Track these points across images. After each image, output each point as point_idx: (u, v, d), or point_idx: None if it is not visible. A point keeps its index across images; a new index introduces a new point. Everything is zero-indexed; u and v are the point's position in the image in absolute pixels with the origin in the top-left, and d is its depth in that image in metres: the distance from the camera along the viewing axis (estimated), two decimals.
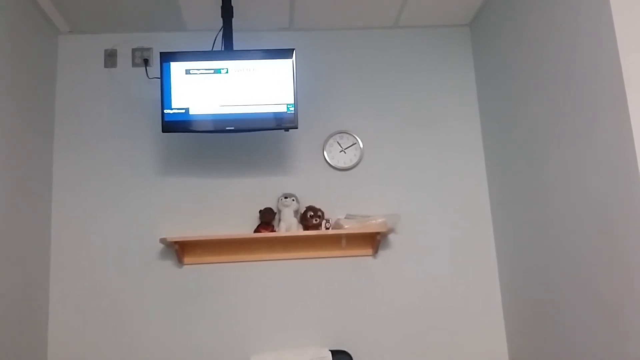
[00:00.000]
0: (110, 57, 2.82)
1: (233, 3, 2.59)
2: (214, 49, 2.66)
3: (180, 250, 2.60)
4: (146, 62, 2.80)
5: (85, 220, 2.67)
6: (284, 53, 2.49)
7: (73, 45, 2.82)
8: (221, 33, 2.59)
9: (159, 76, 2.47)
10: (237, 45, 2.65)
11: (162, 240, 2.55)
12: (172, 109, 2.44)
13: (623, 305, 1.75)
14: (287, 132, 2.71)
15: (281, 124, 2.47)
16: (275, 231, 2.63)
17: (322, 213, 2.65)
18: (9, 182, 2.27)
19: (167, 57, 2.46)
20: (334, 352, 2.52)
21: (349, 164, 2.79)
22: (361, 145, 2.81)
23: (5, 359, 2.18)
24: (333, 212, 2.71)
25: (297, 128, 2.49)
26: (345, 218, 2.65)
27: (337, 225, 2.61)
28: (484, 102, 2.83)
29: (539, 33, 2.22)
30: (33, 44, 2.54)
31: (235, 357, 2.59)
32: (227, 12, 2.57)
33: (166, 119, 2.43)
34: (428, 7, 2.76)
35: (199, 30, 2.82)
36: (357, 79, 2.88)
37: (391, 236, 2.74)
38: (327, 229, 2.65)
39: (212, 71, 2.46)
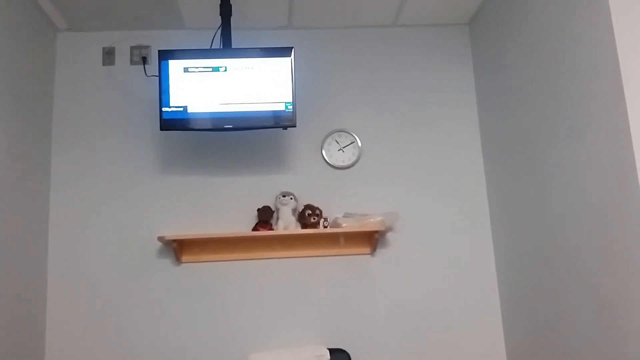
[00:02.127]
0: (109, 55, 2.82)
1: (232, 1, 2.58)
2: (212, 47, 2.66)
3: (179, 248, 2.60)
4: (144, 60, 2.80)
5: (83, 219, 2.67)
6: (283, 51, 2.49)
7: (71, 42, 2.82)
8: (220, 31, 2.59)
9: (157, 74, 2.47)
10: (235, 43, 2.65)
11: (160, 239, 2.55)
12: (170, 107, 2.43)
13: (621, 305, 1.75)
14: (285, 130, 2.71)
15: (279, 122, 2.47)
16: (273, 229, 2.63)
17: (320, 211, 2.65)
18: (7, 180, 2.27)
19: (166, 55, 2.46)
20: (332, 351, 2.52)
21: (347, 163, 2.79)
22: (359, 144, 2.81)
23: (3, 358, 2.17)
24: (331, 211, 2.71)
25: (295, 126, 2.49)
26: (343, 217, 2.65)
27: (335, 224, 2.61)
28: (483, 101, 2.83)
29: (538, 32, 2.22)
30: (31, 42, 2.53)
31: (233, 356, 2.59)
32: (225, 10, 2.57)
33: (164, 116, 2.43)
34: (427, 6, 2.76)
35: (198, 28, 2.81)
36: (355, 77, 2.88)
37: (389, 235, 2.74)
38: (325, 227, 2.65)
39: (211, 69, 2.45)
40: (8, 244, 2.26)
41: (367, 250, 2.71)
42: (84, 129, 2.75)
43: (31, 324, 2.44)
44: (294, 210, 2.65)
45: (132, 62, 2.81)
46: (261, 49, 2.50)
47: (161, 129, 2.43)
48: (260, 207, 2.66)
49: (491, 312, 2.71)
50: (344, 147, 2.80)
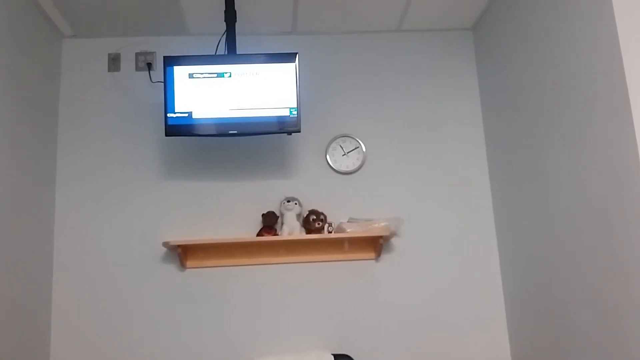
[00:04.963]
0: (114, 61, 2.83)
1: (236, 7, 2.59)
2: (217, 53, 2.67)
3: (183, 253, 2.60)
4: (149, 66, 2.81)
5: (88, 224, 2.68)
6: (287, 57, 2.50)
7: (77, 49, 2.83)
8: (224, 37, 2.60)
9: (162, 80, 2.48)
10: (240, 49, 2.66)
11: (165, 244, 2.55)
12: (175, 113, 2.44)
13: (625, 307, 1.74)
14: (290, 135, 2.72)
15: (284, 127, 2.47)
16: (277, 235, 2.63)
17: (325, 217, 2.65)
18: (13, 185, 2.28)
19: (171, 61, 2.47)
20: (337, 356, 2.52)
21: (351, 168, 2.79)
22: (364, 149, 2.81)
23: None
24: (336, 216, 2.71)
25: (299, 132, 2.49)
26: (347, 222, 2.65)
27: (340, 229, 2.61)
28: (487, 106, 2.83)
29: (542, 36, 2.22)
30: (37, 48, 2.55)
31: None
32: (230, 16, 2.58)
33: (169, 122, 2.44)
34: (431, 11, 2.76)
35: (202, 35, 2.83)
36: (359, 82, 2.89)
37: (394, 240, 2.74)
38: (330, 232, 2.65)
39: (215, 75, 2.46)
40: (14, 249, 2.27)
41: (372, 255, 2.71)
42: (89, 135, 2.76)
43: (36, 330, 2.45)
44: (299, 215, 2.65)
45: (137, 68, 2.83)
46: (266, 54, 2.50)
47: (166, 135, 2.44)
48: (264, 212, 2.67)
49: (496, 316, 2.70)
50: (349, 152, 2.81)
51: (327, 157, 2.80)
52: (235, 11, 2.59)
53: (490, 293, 2.72)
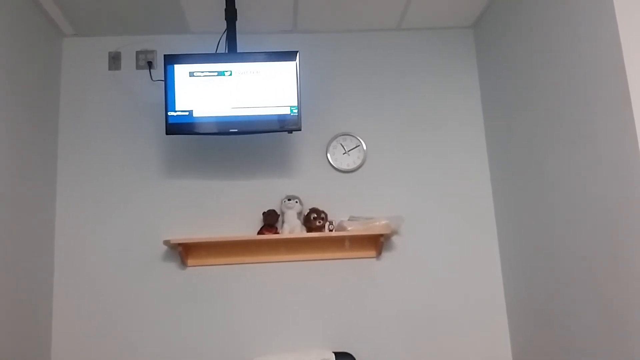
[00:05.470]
0: (115, 60, 2.83)
1: (237, 6, 2.59)
2: (217, 52, 2.67)
3: (184, 252, 2.61)
4: (150, 64, 2.81)
5: (89, 222, 2.68)
6: (288, 55, 2.50)
7: (77, 48, 2.83)
8: (225, 35, 2.60)
9: (163, 79, 2.48)
10: (240, 47, 2.66)
11: (166, 242, 2.55)
12: (175, 111, 2.44)
13: (627, 306, 1.75)
14: (290, 134, 2.72)
15: (285, 126, 2.47)
16: (278, 233, 2.63)
17: (326, 215, 2.65)
18: (14, 184, 2.28)
19: (171, 60, 2.47)
20: (338, 354, 2.52)
21: (352, 166, 2.79)
22: (364, 147, 2.81)
23: None
24: (336, 214, 2.71)
25: (300, 130, 2.49)
26: (348, 220, 2.65)
27: (341, 227, 2.61)
28: (488, 105, 2.83)
29: (543, 35, 2.22)
30: (38, 47, 2.55)
31: (238, 359, 2.59)
32: (230, 14, 2.58)
33: (170, 121, 2.44)
34: (431, 10, 2.76)
35: (203, 33, 2.83)
36: (360, 81, 2.89)
37: (394, 238, 2.74)
38: (331, 230, 2.65)
39: (216, 73, 2.46)
40: (15, 248, 2.27)
41: (373, 253, 2.71)
42: (90, 134, 2.76)
43: (37, 329, 2.45)
44: (299, 213, 2.65)
45: (138, 67, 2.83)
46: (266, 53, 2.50)
47: (167, 133, 2.44)
48: (265, 210, 2.67)
49: (497, 314, 2.70)
50: (349, 150, 2.81)
51: (328, 155, 2.80)
52: (235, 10, 2.59)
53: (491, 292, 2.72)
